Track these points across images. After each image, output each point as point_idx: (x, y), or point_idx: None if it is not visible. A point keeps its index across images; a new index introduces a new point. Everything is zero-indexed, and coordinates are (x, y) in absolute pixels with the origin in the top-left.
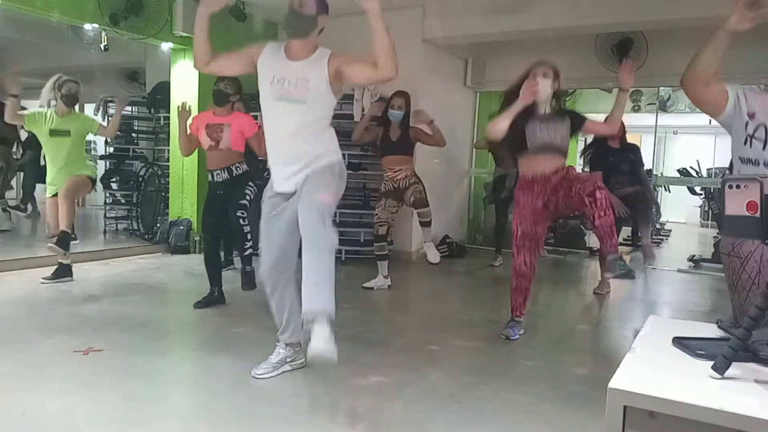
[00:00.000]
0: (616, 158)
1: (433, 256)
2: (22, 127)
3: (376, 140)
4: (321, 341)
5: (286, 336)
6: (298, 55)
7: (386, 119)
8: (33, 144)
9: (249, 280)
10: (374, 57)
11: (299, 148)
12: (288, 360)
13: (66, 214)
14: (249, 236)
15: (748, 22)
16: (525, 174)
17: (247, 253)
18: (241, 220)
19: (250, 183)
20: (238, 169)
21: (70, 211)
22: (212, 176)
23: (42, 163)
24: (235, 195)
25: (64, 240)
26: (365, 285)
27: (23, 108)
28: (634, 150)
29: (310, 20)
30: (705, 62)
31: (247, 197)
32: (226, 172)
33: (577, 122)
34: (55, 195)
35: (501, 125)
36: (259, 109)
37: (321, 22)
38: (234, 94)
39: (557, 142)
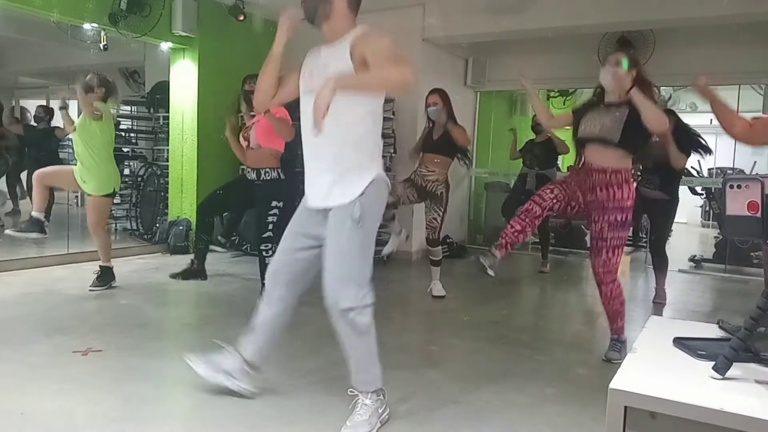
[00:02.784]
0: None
1: (438, 291)
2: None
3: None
4: (358, 417)
5: (249, 350)
6: (328, 38)
7: (430, 119)
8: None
9: None
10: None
11: (324, 152)
12: (234, 375)
13: (102, 247)
14: None
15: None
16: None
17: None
18: (264, 252)
19: (276, 203)
20: (267, 174)
21: (103, 241)
22: (245, 172)
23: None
24: (259, 208)
25: (105, 275)
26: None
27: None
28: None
29: None
30: (720, 119)
31: (270, 225)
32: (254, 173)
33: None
34: (74, 175)
35: (555, 123)
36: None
37: None
38: None
39: (603, 134)
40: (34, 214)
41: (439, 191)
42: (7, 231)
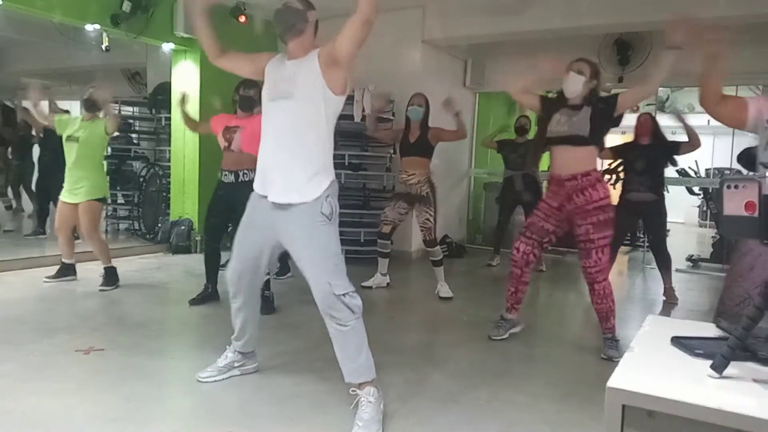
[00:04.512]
0: (635, 154)
1: (446, 292)
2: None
3: (396, 141)
4: (366, 415)
5: (240, 344)
6: (294, 54)
7: (407, 119)
8: (24, 146)
9: (267, 305)
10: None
11: (287, 152)
12: (236, 365)
13: (99, 251)
14: None
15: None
16: (551, 170)
17: (265, 278)
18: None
19: None
20: (245, 175)
21: (100, 246)
22: (221, 175)
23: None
24: (239, 206)
25: (111, 276)
26: (364, 284)
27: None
28: (659, 147)
29: (300, 13)
30: (707, 85)
31: None
32: (232, 175)
33: (607, 105)
34: (67, 202)
35: (522, 84)
36: None
37: (311, 17)
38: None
39: (572, 131)
40: (65, 260)
41: (424, 192)
42: (44, 279)
